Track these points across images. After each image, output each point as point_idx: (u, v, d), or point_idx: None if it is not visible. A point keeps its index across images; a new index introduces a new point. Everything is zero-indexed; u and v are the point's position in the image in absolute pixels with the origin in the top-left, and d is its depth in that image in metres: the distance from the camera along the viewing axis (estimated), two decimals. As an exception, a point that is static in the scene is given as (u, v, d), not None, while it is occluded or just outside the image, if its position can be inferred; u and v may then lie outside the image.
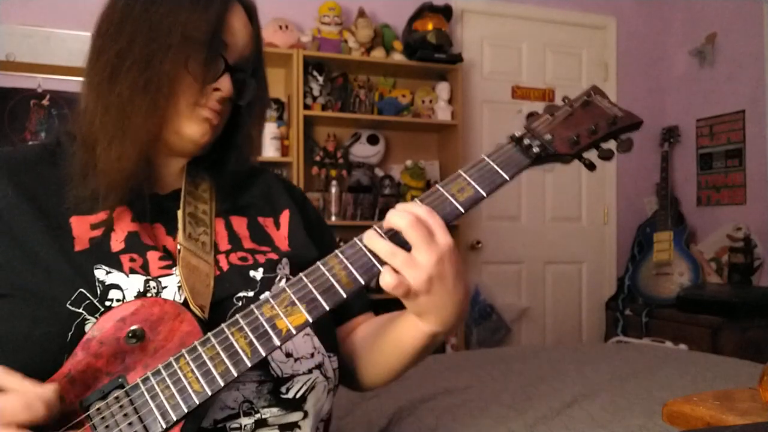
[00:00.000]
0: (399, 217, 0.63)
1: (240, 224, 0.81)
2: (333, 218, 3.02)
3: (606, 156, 0.74)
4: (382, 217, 2.73)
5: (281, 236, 0.84)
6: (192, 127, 0.76)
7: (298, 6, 3.17)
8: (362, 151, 3.22)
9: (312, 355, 0.73)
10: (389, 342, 0.76)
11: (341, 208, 3.05)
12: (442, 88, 3.26)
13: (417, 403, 1.38)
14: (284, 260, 0.78)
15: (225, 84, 0.76)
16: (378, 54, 3.16)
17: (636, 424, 1.23)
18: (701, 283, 3.44)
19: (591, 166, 0.77)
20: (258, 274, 0.74)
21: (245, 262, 0.76)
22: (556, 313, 3.68)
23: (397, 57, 3.19)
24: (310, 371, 0.72)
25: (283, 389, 0.70)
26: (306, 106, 3.00)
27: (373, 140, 3.24)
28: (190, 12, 0.72)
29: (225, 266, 0.74)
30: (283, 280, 0.75)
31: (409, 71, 3.28)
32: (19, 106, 2.81)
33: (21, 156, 0.77)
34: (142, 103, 0.70)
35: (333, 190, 3.04)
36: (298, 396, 0.71)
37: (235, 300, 0.71)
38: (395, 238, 0.64)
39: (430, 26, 3.14)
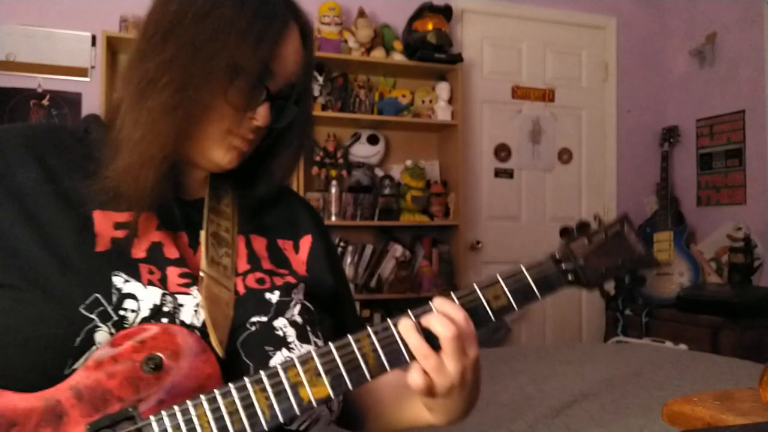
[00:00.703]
0: (443, 327, 0.64)
1: (259, 244, 0.79)
2: (333, 218, 3.02)
3: (622, 290, 0.80)
4: (381, 217, 2.73)
5: (299, 260, 0.82)
6: (219, 153, 0.73)
7: (298, 6, 3.16)
8: (362, 151, 3.22)
9: None
10: (394, 419, 0.80)
11: (341, 208, 3.05)
12: (442, 88, 3.26)
13: None
14: (300, 285, 0.77)
15: (262, 114, 0.72)
16: (378, 54, 3.15)
17: (636, 424, 1.23)
18: (701, 283, 3.43)
19: (606, 295, 0.81)
20: (274, 296, 0.73)
21: (262, 285, 0.74)
22: (556, 313, 3.68)
23: (397, 57, 3.18)
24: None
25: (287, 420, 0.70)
26: (306, 106, 2.99)
27: (373, 140, 3.24)
28: (242, 39, 0.68)
29: (242, 290, 0.72)
30: (298, 306, 0.74)
31: (409, 71, 3.28)
32: (19, 106, 2.81)
33: (47, 134, 0.74)
34: (170, 126, 0.68)
35: (333, 190, 3.04)
36: (301, 428, 0.70)
37: (248, 325, 0.70)
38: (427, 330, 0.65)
39: (430, 26, 3.14)
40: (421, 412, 0.73)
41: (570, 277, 0.74)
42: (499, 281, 0.70)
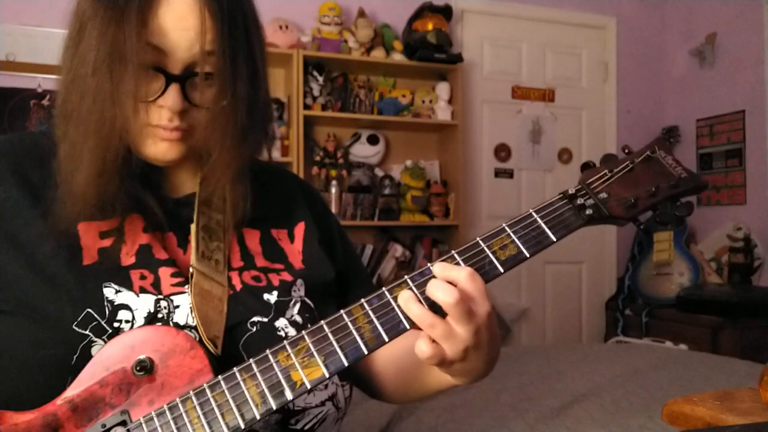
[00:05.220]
0: (443, 292, 0.58)
1: (252, 238, 0.76)
2: (333, 218, 3.02)
3: (664, 221, 0.69)
4: (381, 217, 2.72)
5: (295, 251, 0.79)
6: (151, 148, 0.67)
7: (298, 6, 3.16)
8: (362, 151, 3.22)
9: (326, 385, 0.70)
10: (416, 386, 0.77)
11: (341, 208, 3.05)
12: (442, 88, 3.26)
13: (417, 403, 1.38)
14: (299, 281, 0.75)
15: (169, 99, 0.64)
16: (378, 54, 3.15)
17: (636, 424, 1.23)
18: (701, 283, 3.43)
19: (646, 231, 0.72)
20: (272, 297, 0.71)
21: (258, 282, 0.72)
22: (556, 313, 3.68)
23: (397, 57, 3.18)
24: (323, 403, 0.69)
25: (293, 421, 0.67)
26: (306, 106, 3.00)
27: (373, 140, 3.24)
28: (106, 25, 0.62)
29: (238, 285, 0.70)
30: (298, 304, 0.72)
31: (409, 71, 3.28)
32: (19, 106, 2.81)
33: (25, 146, 0.71)
34: (94, 139, 0.63)
35: (333, 190, 3.04)
36: (307, 428, 0.68)
37: (249, 325, 0.68)
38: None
39: (430, 26, 3.14)
40: (444, 378, 0.69)
41: (589, 212, 0.65)
42: (504, 229, 0.64)
